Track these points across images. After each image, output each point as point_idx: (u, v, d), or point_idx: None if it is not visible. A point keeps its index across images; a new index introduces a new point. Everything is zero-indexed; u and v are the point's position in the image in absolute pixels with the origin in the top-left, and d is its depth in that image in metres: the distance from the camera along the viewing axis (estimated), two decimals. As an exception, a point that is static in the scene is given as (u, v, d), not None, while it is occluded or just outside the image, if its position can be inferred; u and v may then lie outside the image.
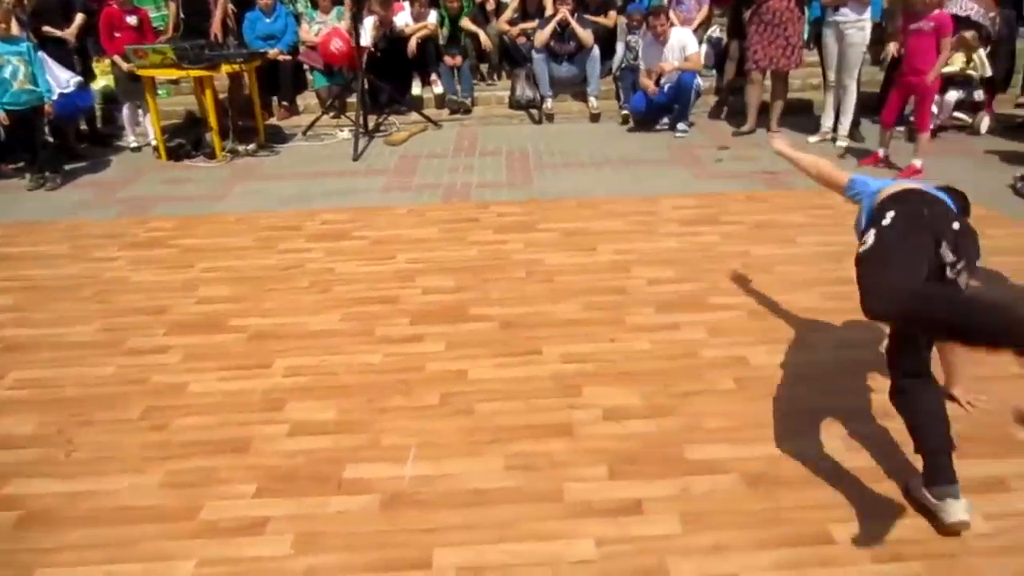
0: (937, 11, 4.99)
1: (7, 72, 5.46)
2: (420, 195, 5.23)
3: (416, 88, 7.62)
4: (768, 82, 6.54)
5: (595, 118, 7.29)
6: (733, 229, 4.27)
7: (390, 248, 4.22)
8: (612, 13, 7.54)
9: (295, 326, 3.38)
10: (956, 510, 2.01)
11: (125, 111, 6.84)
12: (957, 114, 6.35)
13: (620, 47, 7.36)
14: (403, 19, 7.45)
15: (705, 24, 7.49)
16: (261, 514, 2.24)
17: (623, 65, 7.31)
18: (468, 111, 7.48)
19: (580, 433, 2.53)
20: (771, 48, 6.25)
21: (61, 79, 6.10)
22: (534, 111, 7.40)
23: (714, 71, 7.50)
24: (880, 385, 2.70)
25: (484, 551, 2.06)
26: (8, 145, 6.05)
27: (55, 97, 5.85)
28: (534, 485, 2.30)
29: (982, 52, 6.03)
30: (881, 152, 5.43)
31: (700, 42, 6.99)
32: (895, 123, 5.44)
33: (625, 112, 7.09)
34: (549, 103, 7.32)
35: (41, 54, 5.95)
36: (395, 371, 2.97)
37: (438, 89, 7.53)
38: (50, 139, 6.09)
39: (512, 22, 7.61)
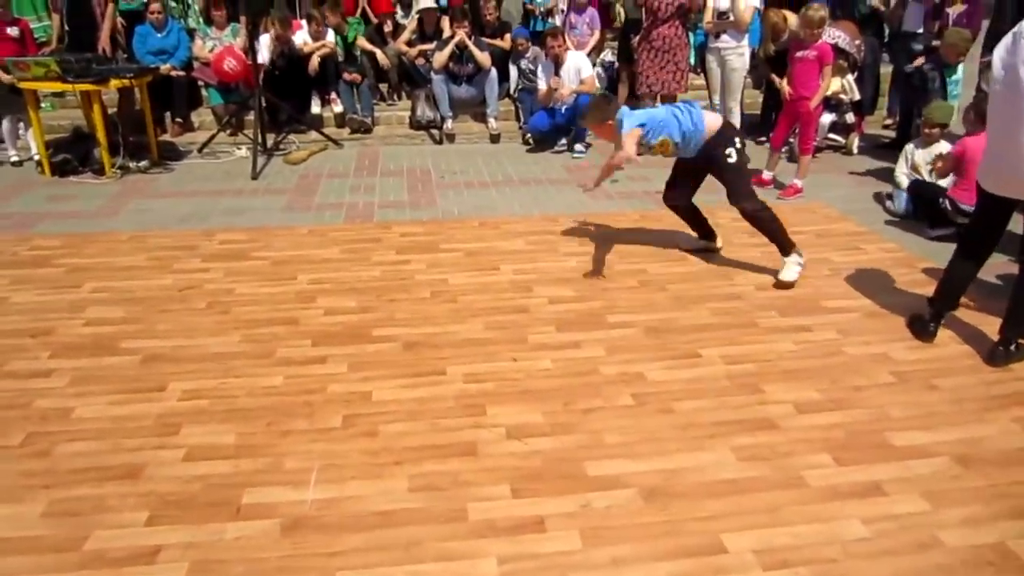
0: (820, 40, 5.37)
1: None
2: (321, 215, 5.17)
3: (315, 107, 7.54)
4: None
5: (495, 139, 7.42)
6: (628, 248, 4.44)
7: (291, 268, 4.16)
8: (508, 36, 7.70)
9: (192, 348, 3.28)
10: None
11: (5, 124, 6.45)
12: (832, 135, 6.83)
13: (514, 70, 7.55)
14: (301, 38, 7.38)
15: (598, 49, 7.79)
16: (153, 543, 2.16)
17: (520, 87, 7.49)
18: (369, 131, 7.45)
19: (484, 452, 2.57)
20: (662, 73, 6.56)
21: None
22: (435, 131, 7.46)
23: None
24: (768, 397, 2.90)
25: (388, 573, 2.07)
26: None
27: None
28: (438, 505, 2.32)
29: (850, 77, 6.52)
30: (767, 175, 5.72)
31: (593, 65, 7.24)
32: (782, 146, 5.78)
33: (524, 129, 7.24)
34: (449, 123, 7.40)
35: None
36: (297, 393, 2.93)
37: (338, 108, 7.48)
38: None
39: (410, 43, 7.66)
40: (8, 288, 3.90)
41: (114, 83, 6.11)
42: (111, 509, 2.30)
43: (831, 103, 6.43)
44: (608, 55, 7.88)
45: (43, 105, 6.86)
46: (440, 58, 7.16)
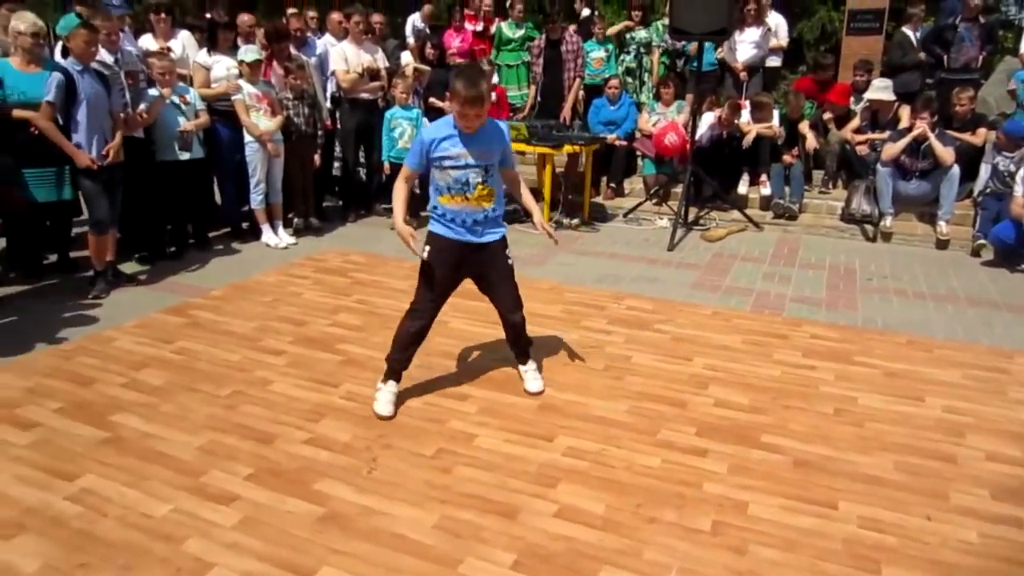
0: None
1: (397, 132, 6.50)
2: (728, 298, 5.06)
3: (742, 187, 7.49)
4: None
5: (942, 245, 6.53)
6: (1116, 416, 3.47)
7: (689, 348, 4.12)
8: (982, 131, 6.76)
9: (581, 406, 3.43)
10: None
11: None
12: None
13: (985, 169, 6.55)
14: (744, 117, 7.42)
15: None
16: (515, 589, 2.25)
17: (987, 190, 6.47)
18: (794, 217, 7.15)
19: (871, 618, 2.18)
20: None
21: (433, 141, 7.09)
22: (869, 227, 6.84)
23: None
24: None
25: None
26: (385, 189, 7.11)
27: (424, 156, 6.81)
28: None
29: None
30: None
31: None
32: None
33: (981, 242, 6.24)
34: (888, 221, 6.71)
35: (424, 119, 6.99)
36: (671, 481, 2.84)
37: (765, 191, 7.33)
38: (416, 191, 7.05)
39: (859, 130, 7.19)
40: (447, 314, 4.52)
41: (567, 148, 6.84)
42: (485, 541, 2.47)
43: None
44: None
45: (508, 160, 8.02)
46: (892, 150, 6.57)
